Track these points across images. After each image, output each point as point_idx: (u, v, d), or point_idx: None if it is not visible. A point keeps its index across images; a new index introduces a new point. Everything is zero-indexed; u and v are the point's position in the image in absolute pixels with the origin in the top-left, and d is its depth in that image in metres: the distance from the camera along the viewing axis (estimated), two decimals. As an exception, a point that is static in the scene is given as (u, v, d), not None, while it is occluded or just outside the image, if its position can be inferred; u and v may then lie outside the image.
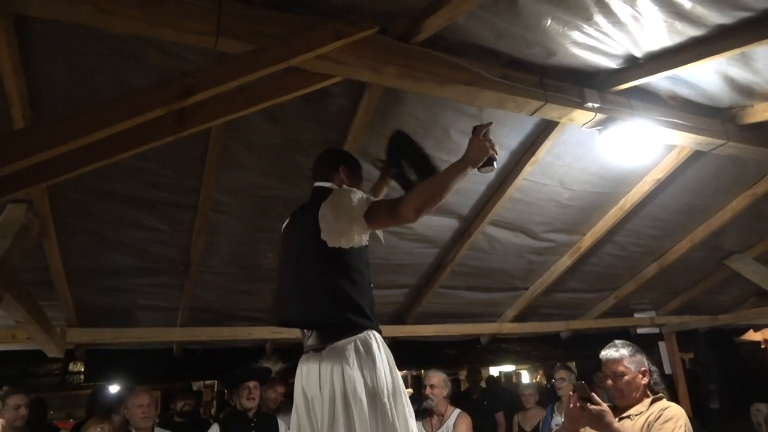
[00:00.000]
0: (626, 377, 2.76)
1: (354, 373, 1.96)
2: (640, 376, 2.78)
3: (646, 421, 2.68)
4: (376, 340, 2.07)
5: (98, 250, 3.35)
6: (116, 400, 4.87)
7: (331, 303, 2.04)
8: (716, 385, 9.69)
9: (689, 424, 2.60)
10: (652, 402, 2.77)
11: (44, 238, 3.01)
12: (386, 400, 1.97)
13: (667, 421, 2.61)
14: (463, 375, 10.61)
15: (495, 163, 2.18)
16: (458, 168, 2.08)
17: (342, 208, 2.06)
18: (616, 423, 2.52)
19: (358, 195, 2.09)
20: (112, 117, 1.82)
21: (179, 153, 2.77)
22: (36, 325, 2.91)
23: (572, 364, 6.44)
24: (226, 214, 3.27)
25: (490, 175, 3.39)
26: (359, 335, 2.03)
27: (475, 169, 2.14)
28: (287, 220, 2.41)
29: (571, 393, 2.59)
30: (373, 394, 1.96)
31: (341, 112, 2.76)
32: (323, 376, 2.00)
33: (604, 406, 2.53)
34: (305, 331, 2.17)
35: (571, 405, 2.59)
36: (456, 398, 6.92)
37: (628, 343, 2.91)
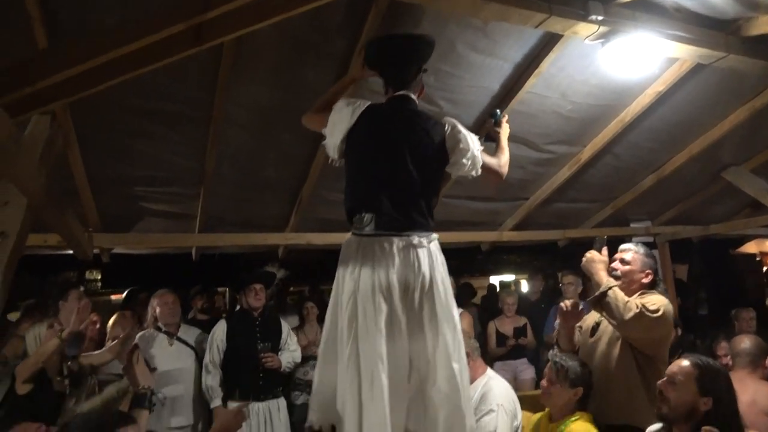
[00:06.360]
0: (630, 266, 2.83)
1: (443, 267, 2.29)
2: (642, 274, 2.82)
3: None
4: None
5: (118, 160, 3.52)
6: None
7: (428, 210, 2.34)
8: (706, 293, 10.17)
9: (671, 310, 2.65)
10: (641, 294, 2.79)
11: (67, 149, 3.17)
12: (451, 297, 2.30)
13: (647, 299, 2.66)
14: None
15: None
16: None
17: (472, 154, 2.36)
18: (603, 272, 2.72)
19: (477, 143, 2.40)
20: (135, 34, 1.93)
21: (193, 68, 2.86)
22: (69, 230, 3.14)
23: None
24: (238, 127, 3.40)
25: (493, 87, 3.50)
26: (437, 239, 2.34)
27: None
28: (365, 109, 2.30)
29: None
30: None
31: (348, 23, 2.81)
32: (433, 264, 2.22)
33: (606, 259, 2.79)
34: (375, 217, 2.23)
35: (565, 308, 2.84)
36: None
37: (648, 248, 2.98)
